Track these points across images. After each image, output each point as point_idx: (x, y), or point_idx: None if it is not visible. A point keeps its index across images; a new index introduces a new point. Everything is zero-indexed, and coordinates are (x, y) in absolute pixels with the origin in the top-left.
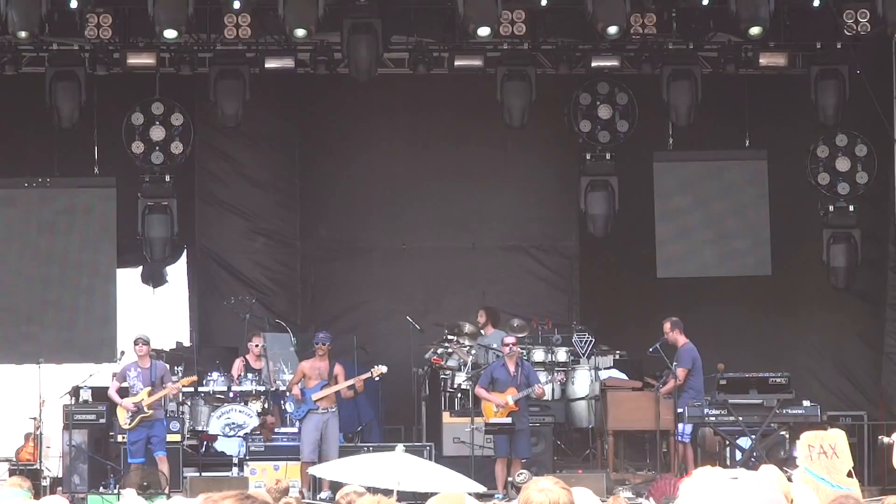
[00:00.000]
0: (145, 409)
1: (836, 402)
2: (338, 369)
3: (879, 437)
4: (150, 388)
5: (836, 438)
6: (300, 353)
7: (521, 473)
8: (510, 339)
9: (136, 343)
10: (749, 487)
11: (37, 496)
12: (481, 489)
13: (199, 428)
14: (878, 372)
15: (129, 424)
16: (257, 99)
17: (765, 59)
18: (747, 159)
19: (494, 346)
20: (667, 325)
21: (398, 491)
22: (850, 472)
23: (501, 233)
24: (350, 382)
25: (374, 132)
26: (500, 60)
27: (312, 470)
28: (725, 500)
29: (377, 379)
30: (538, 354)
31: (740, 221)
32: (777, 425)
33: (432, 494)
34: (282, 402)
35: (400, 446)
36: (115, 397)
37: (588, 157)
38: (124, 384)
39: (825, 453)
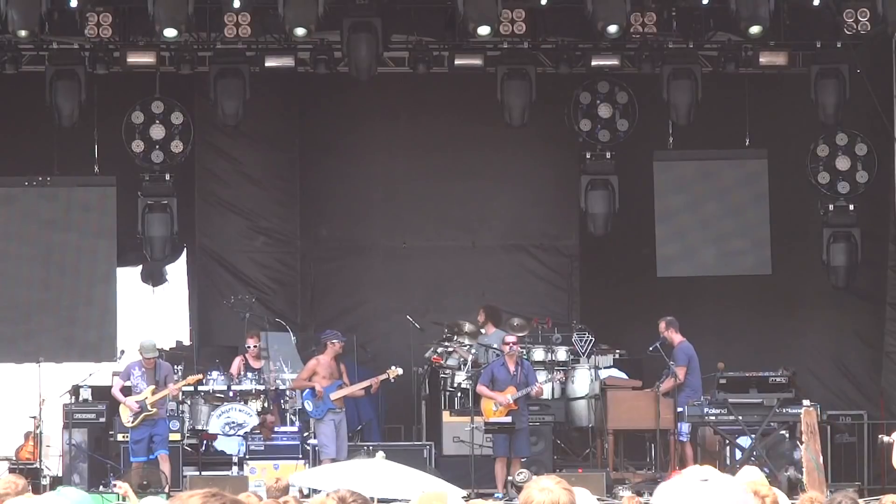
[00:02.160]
0: (149, 408)
1: (836, 402)
2: (342, 368)
3: (879, 437)
4: (153, 387)
5: (814, 417)
6: (300, 352)
7: (520, 473)
8: (511, 339)
9: (143, 355)
10: (719, 490)
11: (36, 495)
12: (462, 493)
13: (199, 427)
14: (878, 371)
15: (133, 423)
16: (257, 98)
17: (765, 59)
18: (747, 158)
19: (495, 345)
20: (661, 325)
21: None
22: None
23: (501, 232)
24: (367, 384)
25: (374, 131)
26: (501, 59)
27: (293, 478)
28: (695, 502)
29: (393, 381)
30: (538, 353)
31: (740, 220)
32: (777, 424)
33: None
34: (281, 401)
35: (381, 453)
36: (119, 396)
37: (588, 156)
38: (127, 383)
39: (812, 432)
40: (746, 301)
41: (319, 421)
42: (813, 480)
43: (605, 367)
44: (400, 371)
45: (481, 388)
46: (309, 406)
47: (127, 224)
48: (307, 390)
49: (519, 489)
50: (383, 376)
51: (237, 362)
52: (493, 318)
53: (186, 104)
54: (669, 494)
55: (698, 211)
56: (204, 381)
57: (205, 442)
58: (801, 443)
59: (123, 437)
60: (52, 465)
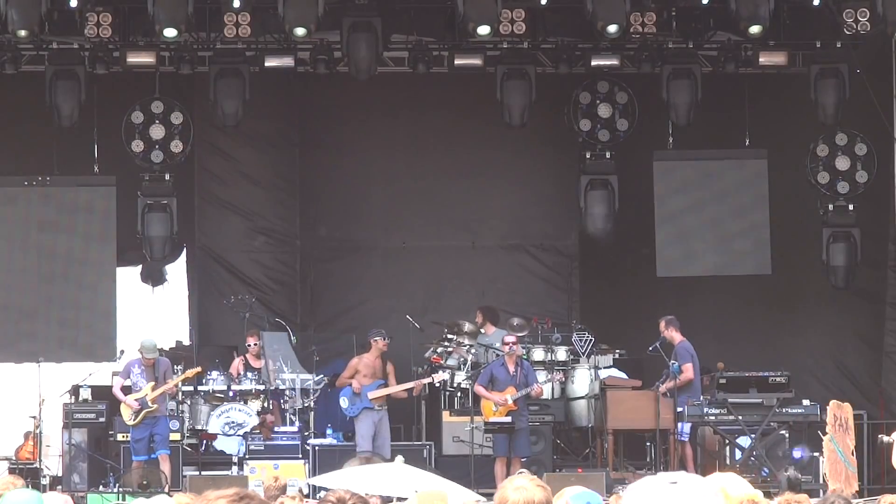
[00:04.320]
0: (149, 404)
1: None
2: (390, 367)
3: (879, 437)
4: (153, 384)
5: (849, 413)
6: (299, 352)
7: (520, 472)
8: (510, 339)
9: (144, 355)
10: (687, 493)
11: None
12: (481, 499)
13: (199, 427)
14: (878, 371)
15: (134, 421)
16: (257, 98)
17: (765, 58)
18: (747, 158)
19: (497, 345)
20: (662, 324)
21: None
22: (853, 449)
23: (501, 232)
24: (410, 385)
25: (374, 131)
26: (500, 59)
27: (314, 480)
28: None
29: (438, 384)
30: (538, 353)
31: (740, 221)
32: (777, 424)
33: None
34: (281, 401)
35: (399, 457)
36: (120, 395)
37: (588, 156)
38: (127, 382)
39: (843, 426)
40: (746, 301)
41: (356, 418)
42: (836, 473)
43: (604, 367)
44: (446, 376)
45: (479, 389)
46: (344, 403)
47: (127, 224)
48: (345, 387)
49: None
50: (427, 379)
51: (237, 362)
52: (490, 318)
53: (186, 104)
54: (638, 497)
55: (698, 211)
56: (204, 380)
57: (204, 442)
58: (825, 433)
59: (123, 436)
60: (52, 465)
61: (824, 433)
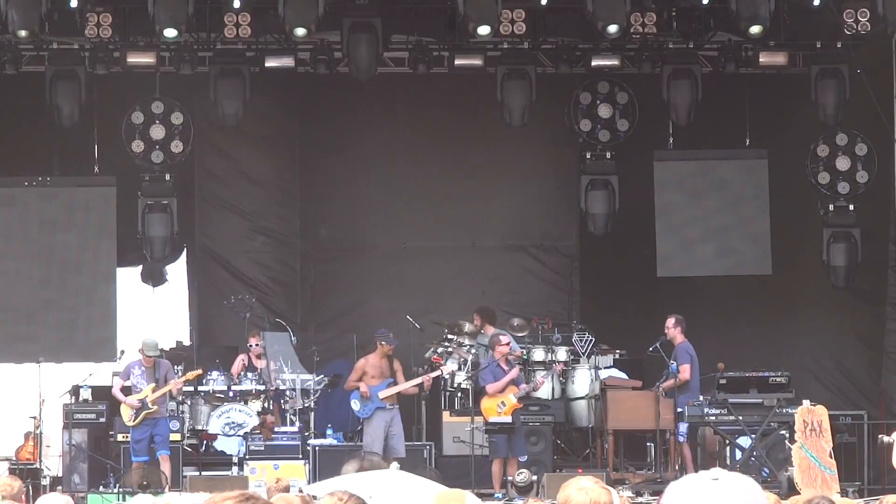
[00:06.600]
0: (149, 406)
1: (836, 402)
2: (397, 365)
3: (879, 437)
4: (153, 385)
5: (823, 415)
6: (300, 352)
7: (520, 473)
8: (504, 339)
9: (145, 353)
10: (731, 489)
11: (36, 495)
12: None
13: (199, 427)
14: (878, 372)
15: (133, 422)
16: (257, 98)
17: (765, 59)
18: (747, 158)
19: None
20: (671, 321)
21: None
22: (830, 452)
23: (501, 232)
24: (419, 380)
25: (374, 131)
26: (501, 59)
27: (310, 488)
28: (707, 502)
29: (447, 377)
30: (538, 354)
31: (740, 221)
32: (777, 425)
33: None
34: (281, 401)
35: (395, 464)
36: (120, 395)
37: (588, 156)
38: (127, 383)
39: (815, 430)
40: (746, 301)
41: (368, 420)
42: (810, 479)
43: (605, 368)
44: (455, 366)
45: (495, 385)
46: (356, 406)
47: (127, 224)
48: (354, 390)
49: (520, 490)
50: (436, 373)
51: (239, 361)
52: (488, 319)
53: (186, 104)
54: (679, 494)
55: (698, 211)
56: (204, 381)
57: (205, 442)
58: (794, 441)
59: (123, 437)
60: (52, 465)
61: (792, 442)
